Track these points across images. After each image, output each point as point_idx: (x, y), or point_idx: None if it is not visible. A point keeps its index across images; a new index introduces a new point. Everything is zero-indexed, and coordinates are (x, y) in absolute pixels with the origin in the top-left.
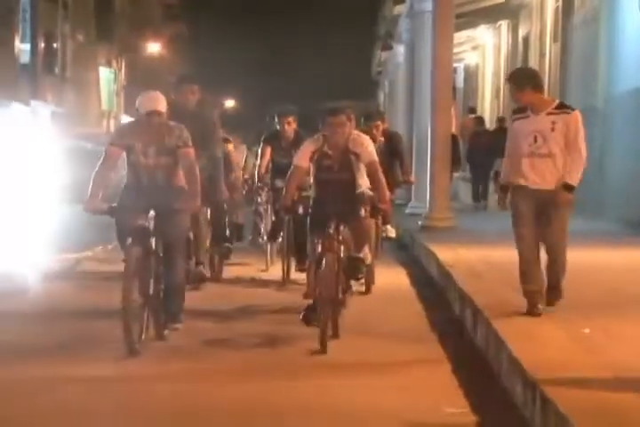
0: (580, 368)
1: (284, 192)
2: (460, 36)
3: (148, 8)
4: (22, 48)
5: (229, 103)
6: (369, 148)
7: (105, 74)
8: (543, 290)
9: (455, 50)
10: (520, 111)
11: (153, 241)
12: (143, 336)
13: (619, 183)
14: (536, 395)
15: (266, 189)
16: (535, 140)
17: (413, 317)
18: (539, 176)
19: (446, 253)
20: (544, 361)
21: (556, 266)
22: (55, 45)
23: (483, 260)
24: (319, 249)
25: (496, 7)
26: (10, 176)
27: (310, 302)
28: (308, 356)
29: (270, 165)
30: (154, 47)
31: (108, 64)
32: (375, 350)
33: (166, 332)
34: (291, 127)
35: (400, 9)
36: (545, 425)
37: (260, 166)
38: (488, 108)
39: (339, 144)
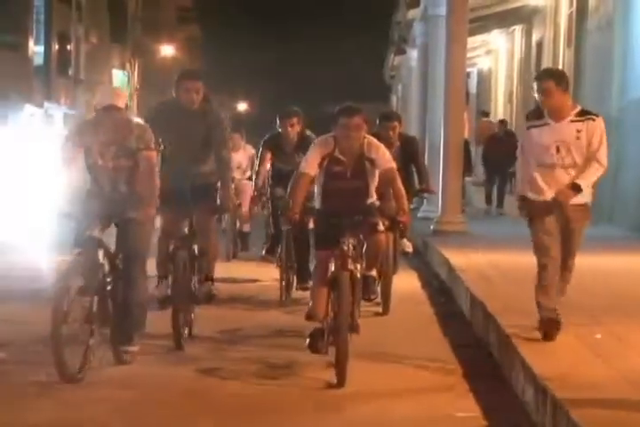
0: (593, 375)
1: (290, 203)
2: (473, 41)
3: (162, 11)
4: (36, 50)
5: (242, 106)
6: (386, 153)
7: (118, 76)
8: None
9: (469, 54)
10: (535, 117)
11: (101, 253)
12: (88, 361)
13: (631, 190)
14: (547, 401)
15: (264, 198)
16: (558, 151)
17: (424, 322)
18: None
19: (458, 258)
20: (556, 368)
21: (564, 279)
22: (69, 47)
23: (494, 264)
24: (331, 267)
25: (510, 12)
26: (21, 177)
27: (316, 325)
28: (318, 388)
29: (270, 172)
30: (167, 50)
31: (122, 66)
32: (385, 360)
33: (127, 356)
34: (294, 130)
35: (414, 13)
36: None
37: (257, 173)
38: (501, 113)
39: (353, 149)
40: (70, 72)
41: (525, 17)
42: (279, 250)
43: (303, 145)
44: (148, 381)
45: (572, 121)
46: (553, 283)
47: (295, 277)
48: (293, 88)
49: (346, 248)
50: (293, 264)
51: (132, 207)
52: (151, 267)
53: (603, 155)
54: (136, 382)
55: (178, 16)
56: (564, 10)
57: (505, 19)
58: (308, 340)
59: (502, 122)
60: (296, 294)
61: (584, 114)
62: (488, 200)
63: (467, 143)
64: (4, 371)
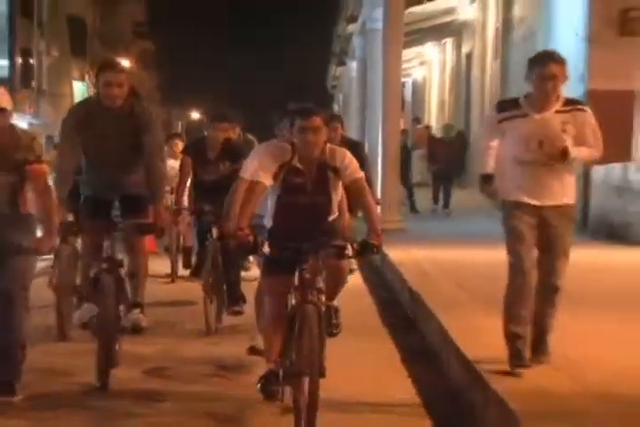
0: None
1: (233, 220)
2: (408, 53)
3: (119, 26)
4: (1, 64)
5: (195, 115)
6: (353, 161)
7: (78, 87)
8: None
9: (404, 65)
10: (511, 107)
11: None
12: None
13: None
14: (478, 381)
15: (184, 213)
16: (540, 146)
17: (366, 312)
18: (544, 189)
19: (397, 254)
20: (487, 353)
21: (551, 305)
22: (32, 61)
23: (431, 260)
24: (291, 299)
25: (442, 26)
26: None
27: (268, 365)
28: None
29: (192, 183)
30: (124, 63)
31: (82, 78)
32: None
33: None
34: (222, 134)
35: (353, 28)
36: (487, 409)
37: (178, 185)
38: (434, 119)
39: (313, 156)
40: (33, 84)
41: (455, 30)
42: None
43: (228, 152)
44: None
45: (558, 112)
46: (522, 305)
47: (226, 300)
48: (242, 97)
49: (308, 276)
50: (222, 286)
51: (21, 234)
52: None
53: (600, 147)
54: None
55: (133, 31)
56: (491, 24)
57: (437, 32)
58: (259, 384)
59: (427, 127)
60: (227, 319)
61: (570, 103)
62: (435, 200)
63: (406, 149)
64: None
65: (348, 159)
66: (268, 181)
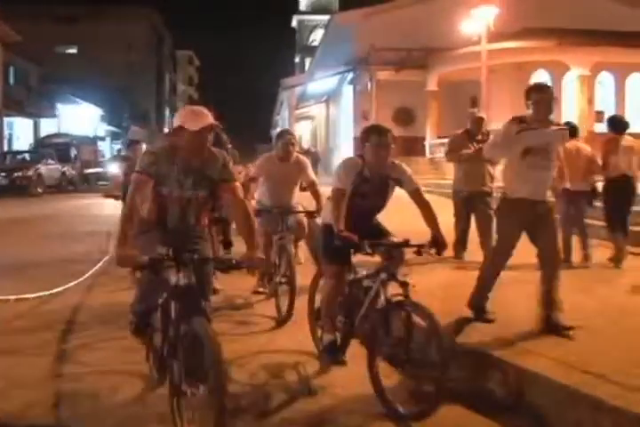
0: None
1: (337, 223)
2: (300, 123)
3: None
4: None
5: None
6: (409, 172)
7: None
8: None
9: (303, 117)
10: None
11: None
12: None
13: None
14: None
15: None
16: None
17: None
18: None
19: None
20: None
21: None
22: None
23: None
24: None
25: (308, 116)
26: None
27: (331, 336)
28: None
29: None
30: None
31: None
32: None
33: None
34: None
35: (278, 116)
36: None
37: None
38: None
39: (381, 168)
40: None
41: (311, 117)
42: None
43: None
44: None
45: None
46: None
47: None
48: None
49: (394, 273)
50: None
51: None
52: None
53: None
54: None
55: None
56: (323, 115)
57: (307, 117)
58: (325, 352)
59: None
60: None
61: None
62: None
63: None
64: None
65: (408, 171)
66: (348, 188)
